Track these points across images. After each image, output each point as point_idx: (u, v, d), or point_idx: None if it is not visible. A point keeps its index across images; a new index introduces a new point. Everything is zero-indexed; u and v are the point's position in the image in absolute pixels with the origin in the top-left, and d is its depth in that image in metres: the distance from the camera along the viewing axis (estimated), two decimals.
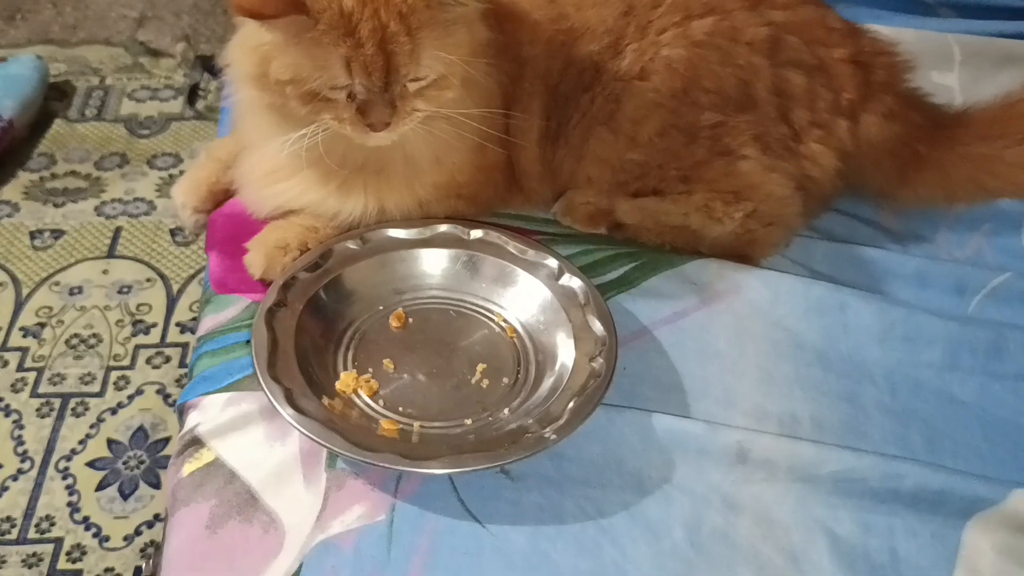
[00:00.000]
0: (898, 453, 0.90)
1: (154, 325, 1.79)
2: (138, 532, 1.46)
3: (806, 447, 0.88)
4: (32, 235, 1.95)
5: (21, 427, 1.60)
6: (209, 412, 0.89)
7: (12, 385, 1.66)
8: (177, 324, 1.79)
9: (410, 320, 0.96)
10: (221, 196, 1.11)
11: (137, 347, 1.74)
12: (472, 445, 0.83)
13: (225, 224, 1.08)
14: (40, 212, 2.01)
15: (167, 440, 1.59)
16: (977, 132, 1.11)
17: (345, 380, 0.89)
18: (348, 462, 0.84)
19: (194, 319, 1.78)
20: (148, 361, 1.72)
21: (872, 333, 0.99)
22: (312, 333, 0.91)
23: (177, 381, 1.68)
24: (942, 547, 0.84)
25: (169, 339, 1.76)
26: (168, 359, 1.72)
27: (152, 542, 1.45)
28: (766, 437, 0.88)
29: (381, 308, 0.97)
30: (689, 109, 1.01)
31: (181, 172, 2.11)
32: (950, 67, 1.31)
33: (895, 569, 0.83)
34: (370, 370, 0.91)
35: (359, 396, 0.89)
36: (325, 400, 0.86)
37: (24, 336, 1.75)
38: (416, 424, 0.86)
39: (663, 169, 1.02)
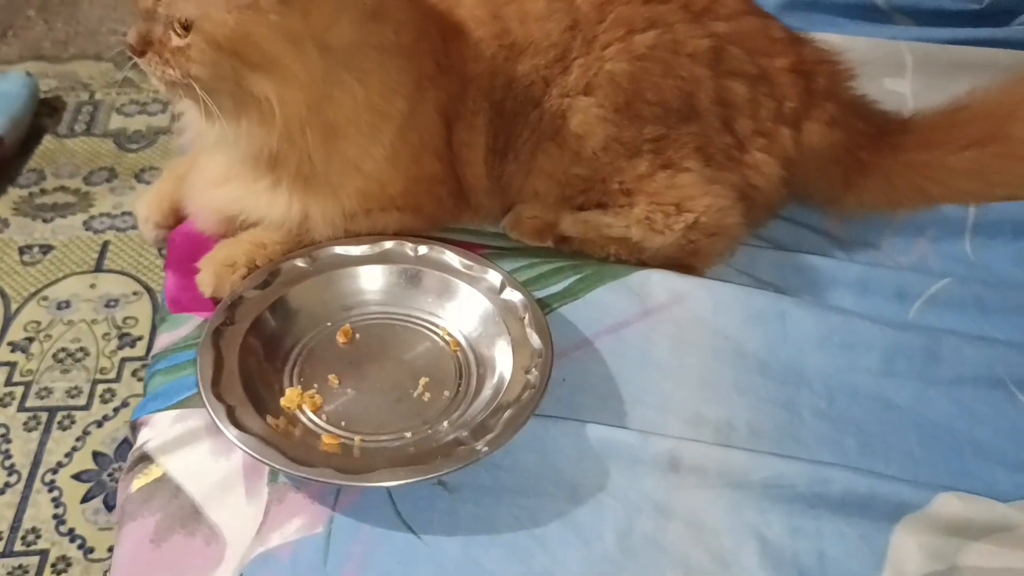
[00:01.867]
0: (831, 458, 0.92)
1: (140, 338, 1.81)
2: None
3: (737, 454, 0.90)
4: (21, 250, 1.98)
5: (8, 441, 1.63)
6: (158, 428, 0.91)
7: (0, 400, 1.70)
8: None
9: (357, 335, 0.99)
10: (180, 214, 1.14)
11: (123, 360, 1.77)
12: (409, 458, 0.85)
13: (183, 243, 1.11)
14: (29, 227, 2.04)
15: None
16: (921, 139, 1.13)
17: (290, 396, 0.92)
18: (289, 477, 0.86)
19: None
20: (134, 374, 1.75)
21: (811, 340, 1.01)
22: (257, 351, 0.94)
23: None
24: (869, 549, 0.86)
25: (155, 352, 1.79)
26: None
27: None
28: (698, 445, 0.90)
29: (329, 324, 0.99)
30: (632, 123, 1.03)
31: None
32: (902, 74, 1.33)
33: (822, 571, 0.84)
34: (315, 386, 0.94)
35: (303, 412, 0.91)
36: (269, 419, 0.88)
37: (12, 351, 1.78)
38: (357, 438, 0.89)
39: (606, 183, 1.05)
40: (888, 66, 1.31)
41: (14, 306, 1.87)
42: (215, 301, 1.02)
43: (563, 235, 1.08)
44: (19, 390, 1.71)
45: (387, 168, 1.02)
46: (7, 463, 1.60)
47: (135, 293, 1.90)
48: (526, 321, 0.95)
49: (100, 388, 1.72)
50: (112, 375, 1.74)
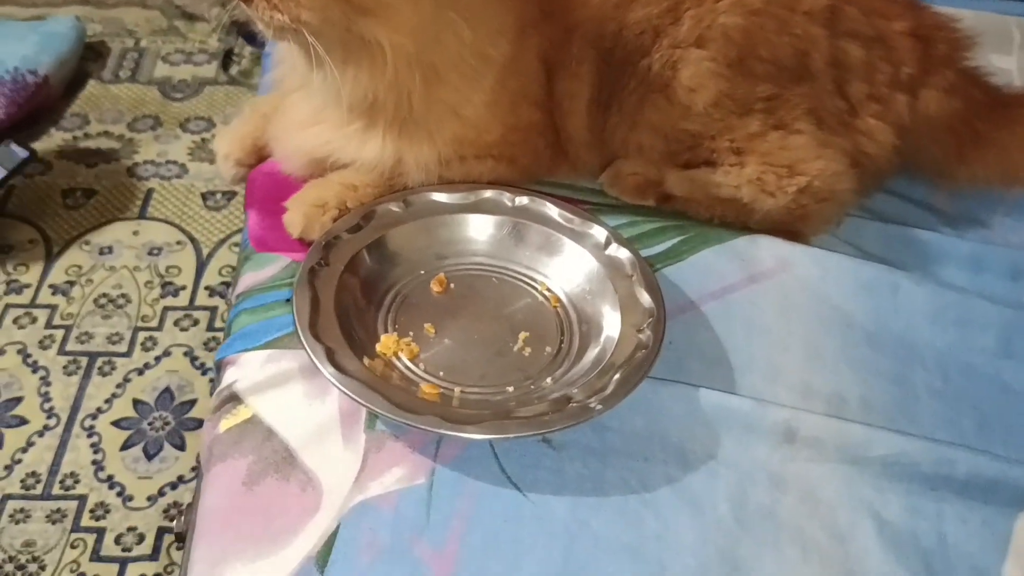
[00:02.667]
0: (948, 438, 0.88)
1: (183, 288, 1.78)
2: (161, 493, 1.46)
3: (856, 428, 0.86)
4: (64, 194, 1.95)
5: (48, 384, 1.60)
6: (247, 369, 0.87)
7: (40, 342, 1.66)
8: (206, 288, 1.78)
9: (452, 285, 0.94)
10: (262, 152, 1.10)
11: (165, 309, 1.74)
12: (515, 412, 0.81)
13: (264, 182, 1.07)
14: (73, 171, 2.00)
15: (193, 402, 1.58)
16: None
17: (386, 342, 0.88)
18: (388, 424, 0.82)
19: (224, 284, 1.78)
20: (176, 323, 1.72)
21: (924, 315, 0.97)
22: (353, 294, 0.90)
23: (205, 344, 1.67)
24: (992, 535, 0.82)
25: (198, 302, 1.76)
26: (196, 322, 1.72)
27: (176, 503, 1.45)
28: (815, 417, 0.86)
29: (423, 272, 0.95)
30: (744, 80, 0.98)
31: (214, 136, 2.10)
32: (1009, 50, 1.28)
33: (943, 554, 0.81)
34: (411, 333, 0.89)
35: (399, 359, 0.87)
36: (366, 360, 0.84)
37: (53, 294, 1.75)
38: (457, 389, 0.85)
39: (716, 140, 1.00)
40: (996, 41, 1.26)
41: (56, 249, 1.83)
42: (302, 242, 0.98)
43: (667, 193, 1.04)
44: (59, 333, 1.68)
45: (485, 114, 0.98)
46: (46, 406, 1.57)
47: (178, 243, 1.86)
48: (634, 279, 0.91)
49: (141, 336, 1.69)
50: (154, 323, 1.71)
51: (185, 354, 1.66)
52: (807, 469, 0.84)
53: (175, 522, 0.92)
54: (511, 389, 0.85)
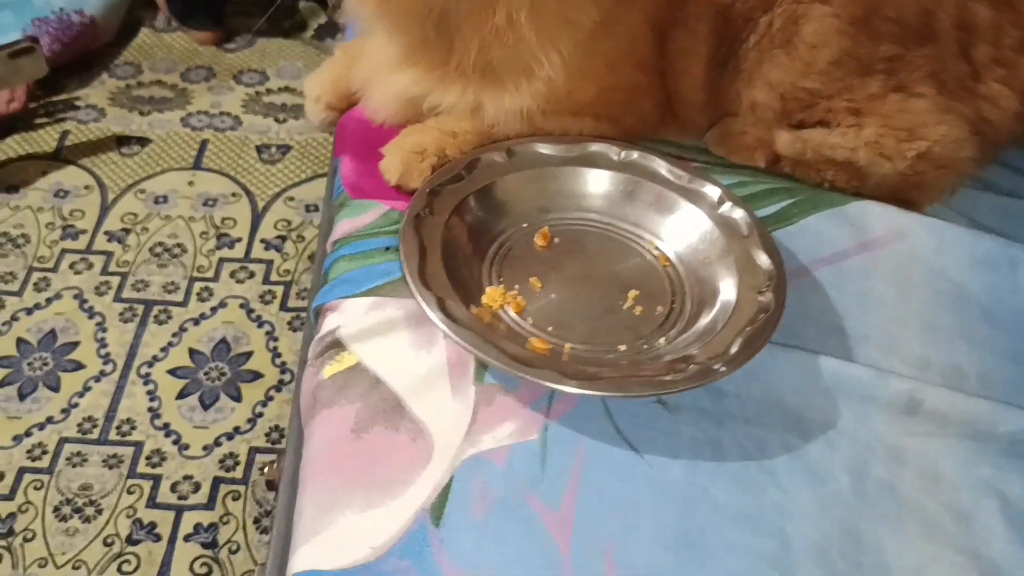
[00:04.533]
0: None
1: (238, 240, 1.77)
2: (217, 443, 1.45)
3: (981, 403, 0.82)
4: (119, 141, 1.92)
5: (104, 330, 1.59)
6: (350, 315, 0.84)
7: (96, 288, 1.65)
8: (261, 241, 1.77)
9: (556, 240, 0.91)
10: (354, 97, 1.06)
11: (221, 260, 1.72)
12: (632, 370, 0.78)
13: (357, 128, 1.04)
14: (126, 119, 1.99)
15: (249, 354, 1.57)
16: None
17: (492, 295, 0.85)
18: (497, 377, 0.80)
19: (279, 238, 1.76)
20: (232, 275, 1.70)
21: None
22: (460, 243, 0.87)
23: (261, 297, 1.66)
24: None
25: (253, 255, 1.74)
26: (252, 275, 1.70)
27: (232, 454, 1.43)
28: (941, 390, 0.83)
29: (526, 225, 0.92)
30: (868, 38, 0.94)
31: (268, 90, 2.08)
32: None
33: None
34: (516, 287, 0.86)
35: (505, 312, 0.84)
36: (473, 309, 0.81)
37: (109, 240, 1.73)
38: (567, 345, 0.82)
39: (834, 100, 0.96)
40: None
41: (111, 196, 1.81)
42: (399, 189, 0.95)
43: (776, 154, 1.00)
44: (115, 280, 1.66)
45: (568, 75, 0.94)
46: (102, 351, 1.56)
47: (233, 195, 1.84)
48: (751, 240, 0.87)
49: (197, 286, 1.67)
50: (210, 274, 1.69)
51: (241, 306, 1.65)
52: (927, 443, 0.81)
53: (266, 469, 0.89)
54: (623, 348, 0.82)
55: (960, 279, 0.93)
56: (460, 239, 0.87)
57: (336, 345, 0.83)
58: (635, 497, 0.74)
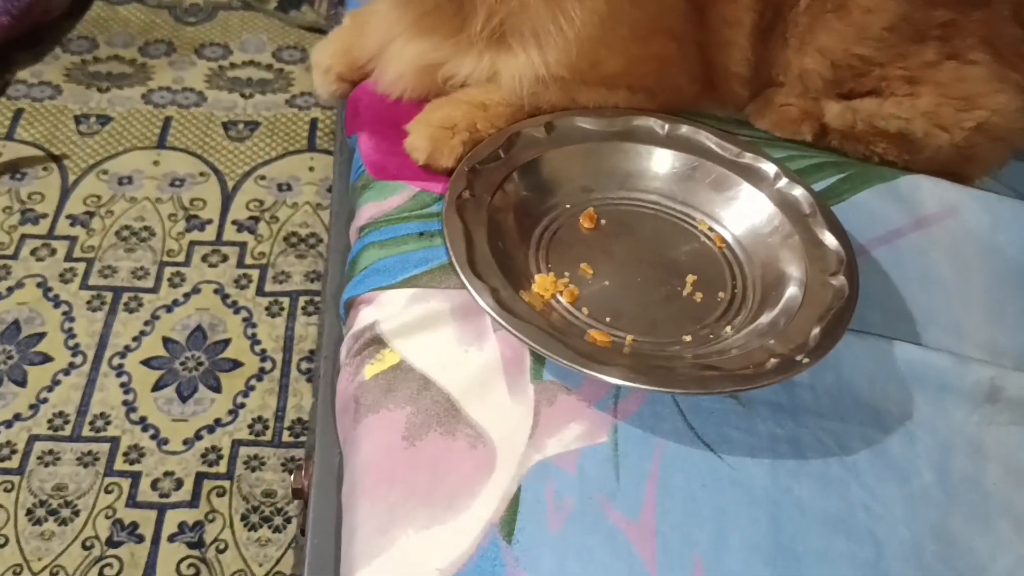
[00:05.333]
0: None
1: (208, 222, 1.67)
2: (198, 436, 1.37)
3: None
4: (77, 119, 1.81)
5: (71, 319, 1.49)
6: (389, 309, 0.77)
7: (60, 275, 1.55)
8: (233, 222, 1.68)
9: (602, 221, 0.85)
10: (365, 68, 0.98)
11: (192, 243, 1.63)
12: (701, 363, 0.72)
13: (373, 101, 0.96)
14: (84, 96, 1.87)
15: (227, 342, 1.49)
16: None
17: (542, 283, 0.78)
18: (556, 373, 0.73)
19: (252, 219, 1.66)
20: (204, 259, 1.61)
21: None
22: (505, 227, 0.80)
23: (236, 282, 1.57)
24: None
25: (225, 237, 1.65)
26: (225, 258, 1.61)
27: (215, 448, 1.35)
28: (1021, 375, 0.78)
29: (569, 206, 0.85)
30: (923, 2, 0.89)
31: (232, 64, 1.98)
32: None
33: None
34: (567, 274, 0.80)
35: (558, 302, 0.78)
36: (524, 298, 0.75)
37: (72, 225, 1.63)
38: (628, 337, 0.75)
39: (887, 68, 0.91)
40: None
41: (72, 177, 1.70)
42: (428, 168, 0.87)
43: (824, 126, 0.95)
44: (81, 266, 1.57)
45: (584, 43, 0.87)
46: (71, 342, 1.46)
47: (201, 174, 1.75)
48: (814, 219, 0.82)
49: (168, 271, 1.58)
50: (180, 258, 1.60)
51: (215, 291, 1.56)
52: (1008, 433, 0.77)
53: (294, 476, 0.82)
54: (688, 339, 0.76)
55: (1019, 257, 0.89)
56: (506, 222, 0.80)
57: (376, 342, 0.75)
58: (719, 503, 0.68)
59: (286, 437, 1.38)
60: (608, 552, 0.65)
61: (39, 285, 1.52)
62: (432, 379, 0.73)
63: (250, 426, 1.39)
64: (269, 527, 1.29)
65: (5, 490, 1.28)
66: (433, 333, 0.75)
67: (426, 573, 0.63)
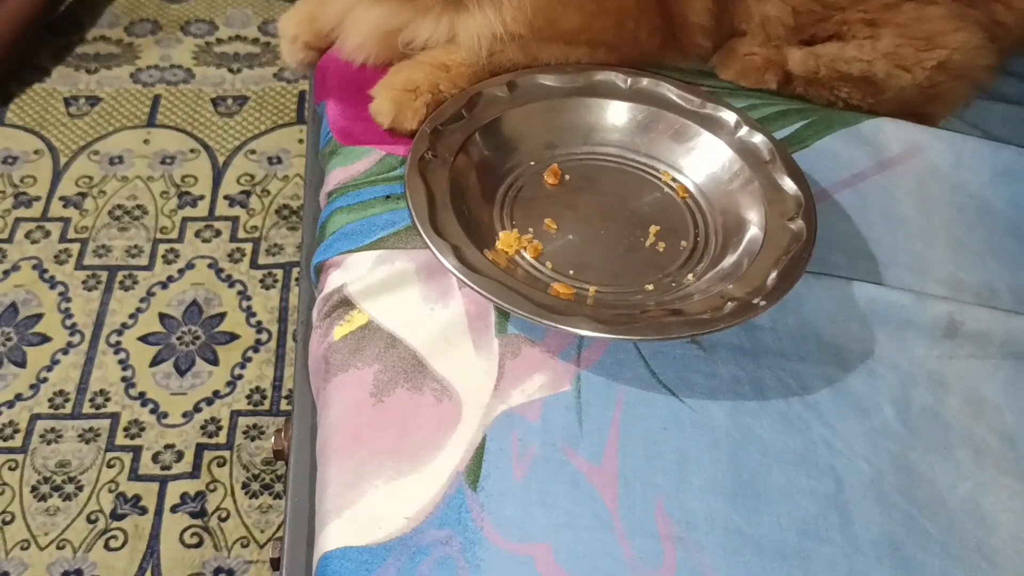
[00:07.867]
0: None
1: (200, 198, 1.69)
2: (197, 409, 1.40)
3: (1020, 320, 0.79)
4: (67, 102, 1.83)
5: (68, 300, 1.51)
6: (356, 271, 0.79)
7: (55, 256, 1.57)
8: (225, 197, 1.69)
9: (566, 177, 0.86)
10: (332, 35, 0.99)
11: (184, 220, 1.65)
12: (664, 310, 0.73)
13: (339, 68, 0.97)
14: (73, 78, 1.88)
15: (223, 316, 1.51)
16: None
17: (506, 240, 0.79)
18: (520, 326, 0.75)
19: (243, 193, 1.68)
20: (197, 235, 1.63)
21: None
22: (468, 186, 0.81)
23: (229, 256, 1.59)
24: None
25: (218, 212, 1.67)
26: (218, 233, 1.63)
27: (214, 419, 1.37)
28: (979, 309, 0.79)
29: (533, 163, 0.86)
30: None
31: (218, 40, 1.98)
32: None
33: None
34: (531, 230, 0.81)
35: (522, 257, 0.79)
36: (488, 256, 0.76)
37: (65, 206, 1.65)
38: (592, 288, 0.77)
39: (847, 11, 0.91)
40: None
41: (63, 159, 1.72)
42: (393, 132, 0.89)
43: (788, 74, 0.95)
44: (75, 247, 1.59)
45: (540, 3, 0.88)
46: (68, 322, 1.48)
47: (192, 151, 1.76)
48: (774, 165, 0.83)
49: (162, 248, 1.60)
50: (174, 235, 1.62)
51: (209, 266, 1.58)
52: (968, 366, 0.78)
53: (275, 439, 0.84)
54: (650, 287, 0.78)
55: (982, 193, 0.90)
56: (468, 181, 0.81)
57: (344, 304, 0.77)
58: (682, 446, 0.70)
59: (284, 406, 1.41)
60: (571, 496, 0.66)
61: (35, 267, 1.55)
62: (399, 337, 0.74)
63: (248, 396, 1.41)
64: (270, 494, 1.31)
65: (10, 468, 1.31)
66: (399, 293, 0.77)
67: (394, 522, 0.65)
